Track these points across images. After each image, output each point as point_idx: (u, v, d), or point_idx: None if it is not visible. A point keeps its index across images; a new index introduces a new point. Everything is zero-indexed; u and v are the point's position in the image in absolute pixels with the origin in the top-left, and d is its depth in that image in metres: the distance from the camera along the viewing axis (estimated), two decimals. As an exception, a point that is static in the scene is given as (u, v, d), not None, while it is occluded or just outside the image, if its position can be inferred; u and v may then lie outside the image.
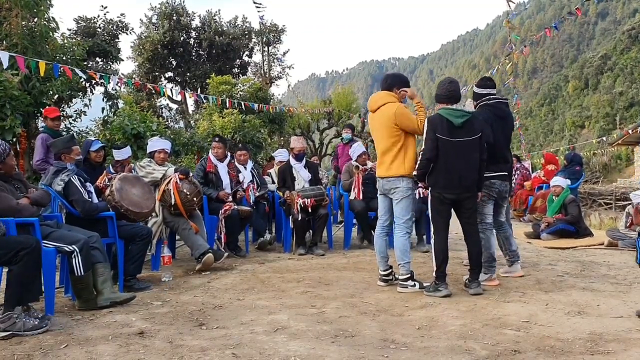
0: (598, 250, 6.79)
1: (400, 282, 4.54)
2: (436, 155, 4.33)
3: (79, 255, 3.88)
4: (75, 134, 8.92)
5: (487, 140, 4.61)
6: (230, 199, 6.52)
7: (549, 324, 3.48)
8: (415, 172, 4.47)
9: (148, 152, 6.14)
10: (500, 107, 4.89)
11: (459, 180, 4.31)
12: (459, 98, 4.47)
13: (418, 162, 4.43)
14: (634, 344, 3.04)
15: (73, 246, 3.88)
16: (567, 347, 3.01)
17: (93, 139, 6.37)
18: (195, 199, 5.62)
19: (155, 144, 6.12)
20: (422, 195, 6.71)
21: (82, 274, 3.90)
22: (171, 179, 5.59)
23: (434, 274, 4.37)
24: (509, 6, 11.04)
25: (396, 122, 4.50)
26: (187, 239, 5.60)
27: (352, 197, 7.06)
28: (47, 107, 8.04)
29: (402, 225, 4.59)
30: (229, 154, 7.02)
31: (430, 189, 4.48)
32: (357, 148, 7.43)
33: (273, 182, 7.90)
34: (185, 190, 5.54)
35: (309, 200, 6.50)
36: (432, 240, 4.52)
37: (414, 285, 4.50)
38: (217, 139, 6.94)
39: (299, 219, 6.50)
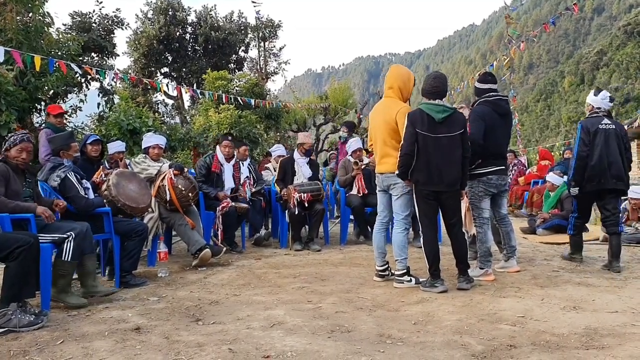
0: (593, 246, 6.81)
1: (397, 278, 4.55)
2: (414, 151, 4.28)
3: (72, 241, 3.88)
4: (70, 129, 8.89)
5: (476, 138, 4.61)
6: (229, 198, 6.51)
7: (544, 318, 3.49)
8: (397, 171, 4.41)
9: (143, 147, 6.12)
10: (501, 104, 4.88)
11: (440, 177, 4.27)
12: (443, 94, 4.41)
13: (398, 159, 4.37)
14: (629, 338, 3.06)
15: (69, 232, 3.89)
16: (562, 341, 3.03)
17: (90, 134, 6.35)
18: (190, 194, 5.60)
19: (150, 139, 6.09)
20: None
21: (69, 260, 3.89)
22: (166, 174, 5.57)
23: (428, 271, 4.38)
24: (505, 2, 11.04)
25: (397, 121, 4.48)
26: (184, 235, 5.59)
27: (354, 192, 7.04)
28: (44, 102, 8.03)
29: (401, 221, 4.59)
30: (235, 154, 7.00)
31: (414, 187, 4.42)
32: (354, 143, 7.42)
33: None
34: (180, 186, 5.52)
35: (305, 195, 6.50)
36: (421, 240, 4.49)
37: (410, 280, 4.51)
38: (229, 137, 6.94)
39: (296, 212, 6.50)
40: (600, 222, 9.95)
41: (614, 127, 5.24)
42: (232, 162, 6.81)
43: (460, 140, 4.32)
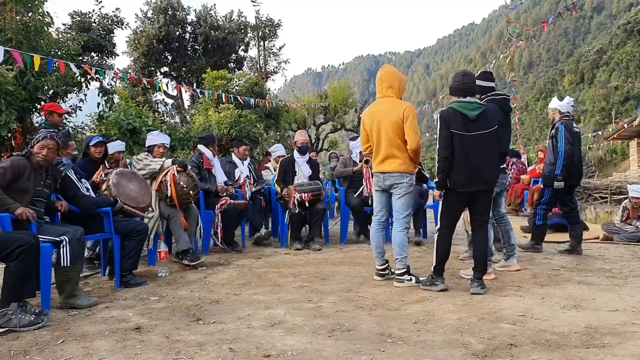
0: (593, 244, 6.82)
1: (397, 277, 4.55)
2: (452, 154, 4.15)
3: (67, 245, 3.86)
4: (70, 129, 8.89)
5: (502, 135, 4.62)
6: (226, 194, 6.52)
7: (545, 317, 3.49)
8: (436, 179, 4.27)
9: (147, 145, 6.09)
10: (505, 102, 4.92)
11: (479, 175, 4.15)
12: (473, 92, 4.31)
13: (436, 166, 4.24)
14: (629, 337, 3.06)
15: (62, 237, 3.87)
16: (563, 340, 3.03)
17: (93, 135, 6.36)
18: (191, 192, 5.62)
19: (156, 138, 6.08)
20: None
21: (68, 264, 3.87)
22: (169, 170, 5.58)
23: (432, 268, 4.37)
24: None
25: (405, 118, 4.46)
26: (176, 231, 5.60)
27: (365, 193, 6.98)
28: (44, 102, 8.01)
29: (402, 220, 4.58)
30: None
31: (447, 190, 4.27)
32: (359, 143, 7.38)
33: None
34: (181, 183, 5.54)
35: (306, 194, 6.50)
36: (435, 236, 4.42)
37: (410, 279, 4.51)
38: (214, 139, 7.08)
39: (296, 212, 6.49)
40: (600, 221, 10.00)
41: (579, 131, 6.01)
42: (217, 157, 6.98)
43: (495, 136, 4.23)
